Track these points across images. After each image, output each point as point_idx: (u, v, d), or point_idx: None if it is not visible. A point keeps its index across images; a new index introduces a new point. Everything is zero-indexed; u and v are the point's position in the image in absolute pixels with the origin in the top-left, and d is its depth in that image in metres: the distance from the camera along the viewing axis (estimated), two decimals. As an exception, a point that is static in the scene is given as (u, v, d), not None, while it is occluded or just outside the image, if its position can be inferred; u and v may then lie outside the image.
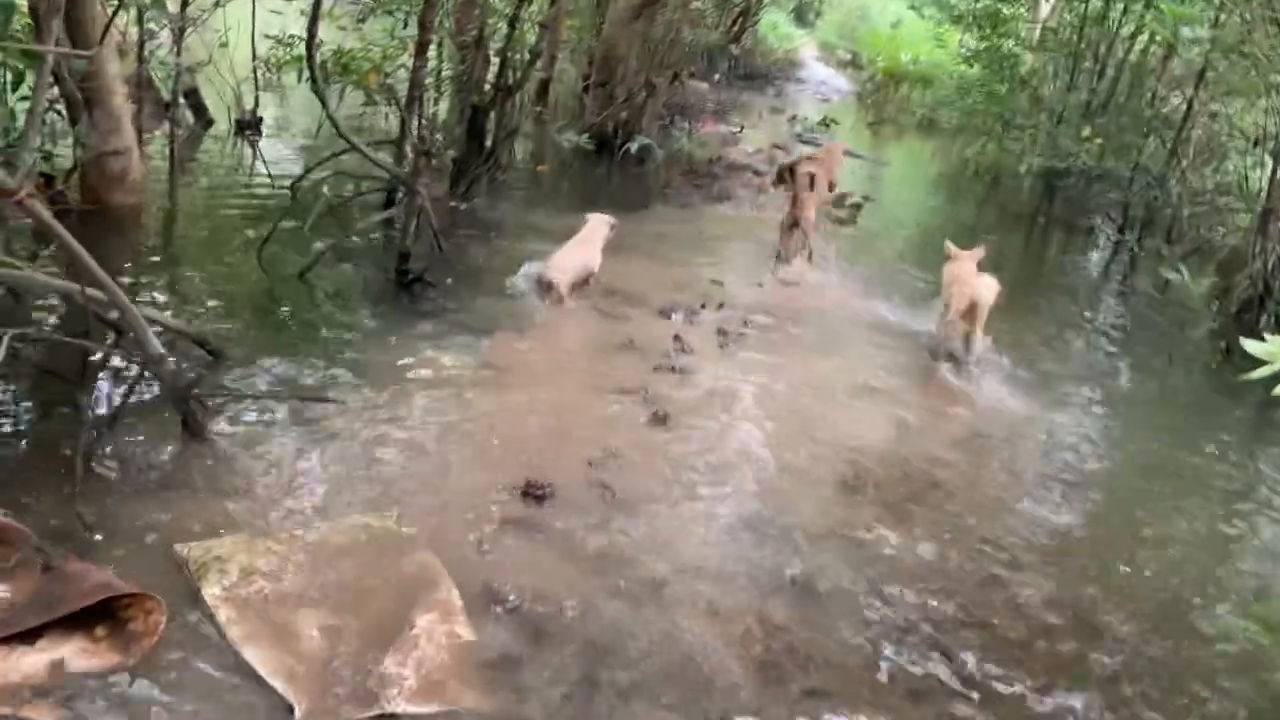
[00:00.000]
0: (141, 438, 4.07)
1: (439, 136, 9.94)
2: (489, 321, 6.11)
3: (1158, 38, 12.62)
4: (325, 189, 7.41)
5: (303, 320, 5.71)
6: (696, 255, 8.30)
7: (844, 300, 7.74)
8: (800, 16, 37.76)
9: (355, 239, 7.20)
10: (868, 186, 13.20)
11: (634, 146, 9.67)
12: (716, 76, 23.69)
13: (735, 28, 25.21)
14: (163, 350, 4.05)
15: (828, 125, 18.60)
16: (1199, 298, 7.63)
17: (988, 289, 6.50)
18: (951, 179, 15.72)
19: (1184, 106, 11.69)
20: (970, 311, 6.45)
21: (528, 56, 10.03)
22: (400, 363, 5.22)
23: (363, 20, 8.90)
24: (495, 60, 10.11)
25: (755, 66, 26.81)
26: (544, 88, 15.58)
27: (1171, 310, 8.84)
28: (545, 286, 6.60)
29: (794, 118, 18.95)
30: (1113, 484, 5.33)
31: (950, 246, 6.91)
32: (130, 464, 3.87)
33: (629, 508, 4.18)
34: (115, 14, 5.93)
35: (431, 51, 10.29)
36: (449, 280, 6.72)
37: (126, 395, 4.04)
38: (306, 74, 8.42)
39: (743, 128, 16.21)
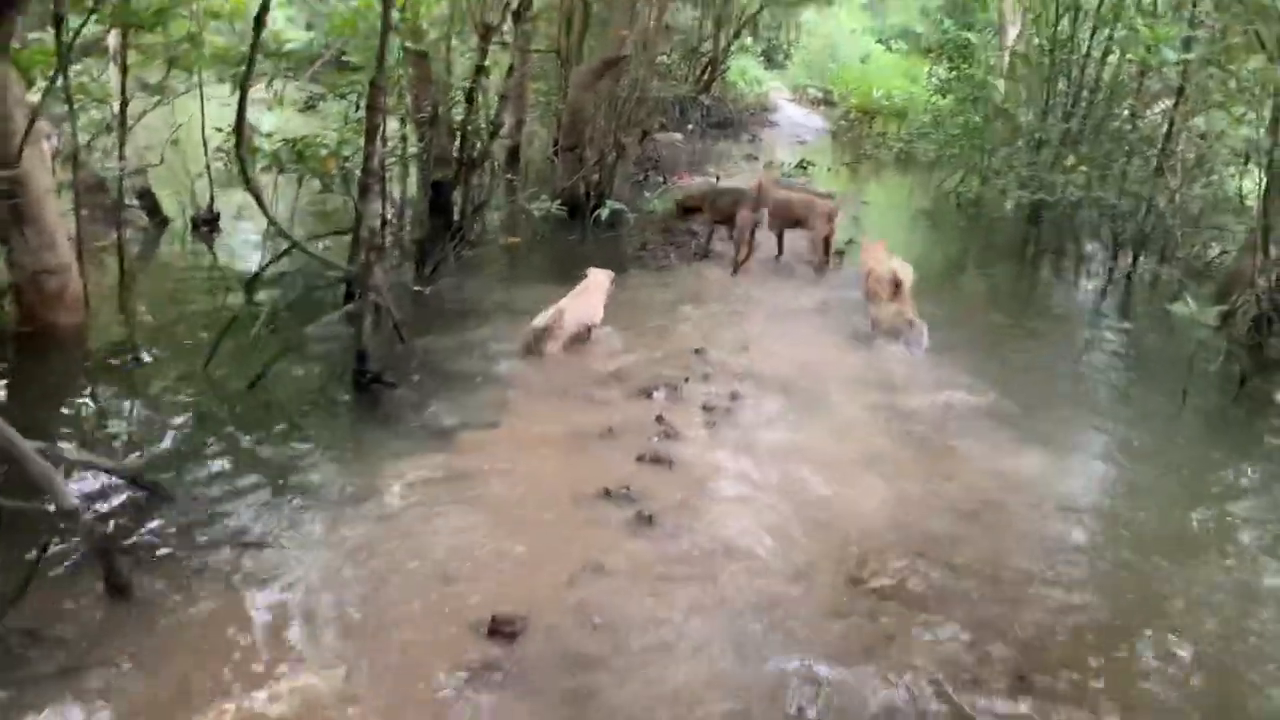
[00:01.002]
0: (60, 605, 3.62)
1: (396, 220, 9.61)
2: (456, 420, 5.68)
3: (1129, 55, 12.37)
4: (277, 290, 7.01)
5: (252, 439, 5.26)
6: (677, 322, 7.91)
7: (834, 356, 7.34)
8: (770, 59, 37.94)
9: (313, 339, 6.79)
10: (849, 228, 12.87)
11: (604, 213, 9.33)
12: (690, 127, 23.52)
13: (704, 77, 25.23)
14: (75, 502, 3.61)
15: (805, 168, 18.35)
16: (1205, 326, 7.23)
17: (903, 267, 7.31)
18: (933, 213, 15.41)
19: (1165, 123, 11.42)
20: (897, 290, 7.20)
21: (490, 128, 9.72)
22: (354, 485, 4.77)
23: (312, 106, 8.57)
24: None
25: (727, 114, 26.68)
26: (513, 155, 15.36)
27: (1176, 340, 8.43)
28: (537, 336, 6.62)
29: (770, 164, 18.69)
30: (1139, 553, 4.87)
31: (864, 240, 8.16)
32: (42, 640, 3.41)
33: (613, 638, 3.72)
34: (31, 126, 5.54)
35: (394, 128, 10.10)
36: (416, 377, 6.30)
37: (38, 559, 3.59)
38: (263, 165, 8.19)
39: (719, 178, 15.89)
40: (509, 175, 15.04)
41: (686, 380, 6.56)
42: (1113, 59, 12.90)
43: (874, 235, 12.85)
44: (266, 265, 7.26)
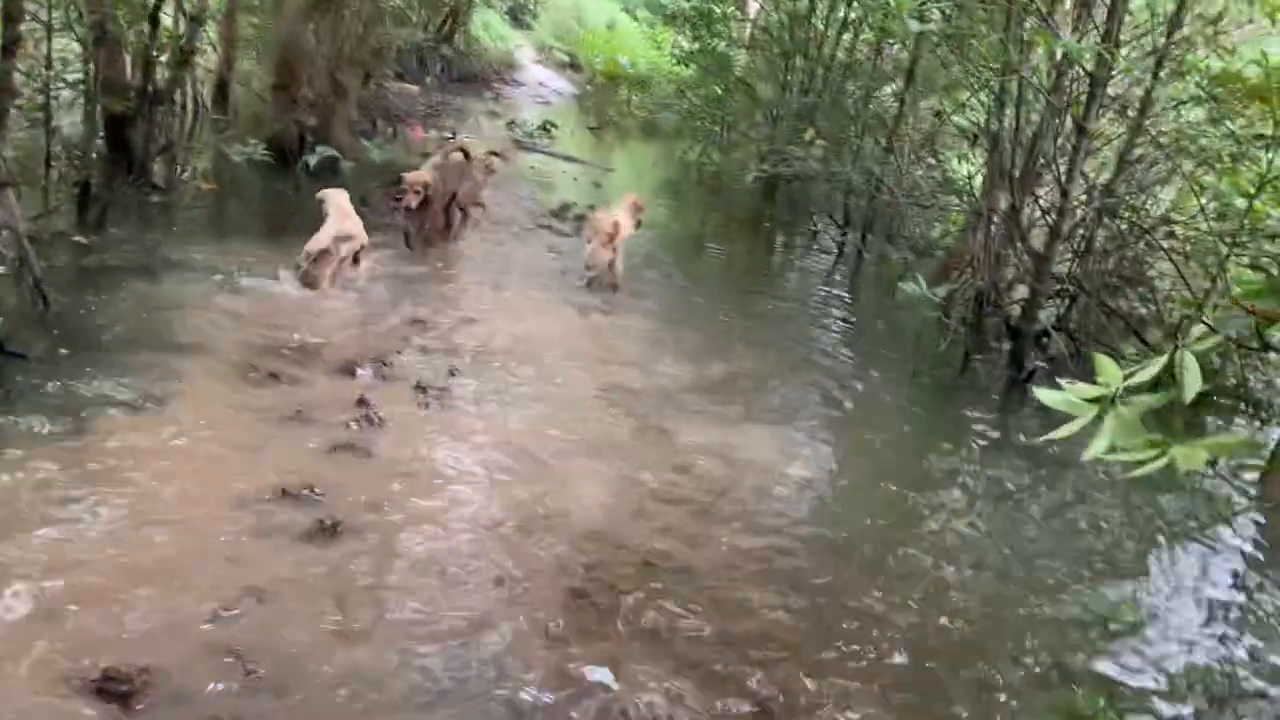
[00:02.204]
0: None
1: (67, 158, 8.09)
2: (104, 399, 4.60)
3: (864, 35, 12.57)
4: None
5: None
6: (397, 287, 7.04)
7: (564, 328, 6.77)
8: (515, 17, 36.92)
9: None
10: (591, 194, 12.38)
11: (312, 160, 8.23)
12: (429, 79, 22.25)
13: (445, 27, 23.95)
14: None
15: (548, 129, 17.71)
16: (932, 305, 7.24)
17: (624, 222, 7.70)
18: (675, 185, 15.22)
19: (896, 104, 11.65)
20: (610, 239, 7.48)
21: (178, 54, 8.37)
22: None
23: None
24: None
25: (471, 69, 25.53)
26: (221, 92, 13.73)
27: (903, 317, 8.50)
28: (313, 259, 6.27)
29: (512, 122, 17.90)
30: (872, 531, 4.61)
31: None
32: None
33: (273, 689, 2.93)
34: None
35: (60, 48, 8.51)
36: (61, 348, 5.10)
37: None
38: None
39: (455, 133, 14.97)
40: (217, 115, 13.48)
41: (400, 353, 5.76)
42: (848, 37, 13.07)
43: (613, 203, 12.49)
44: None
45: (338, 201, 6.90)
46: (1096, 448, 2.86)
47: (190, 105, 12.78)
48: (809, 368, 6.96)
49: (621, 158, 18.05)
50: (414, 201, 7.54)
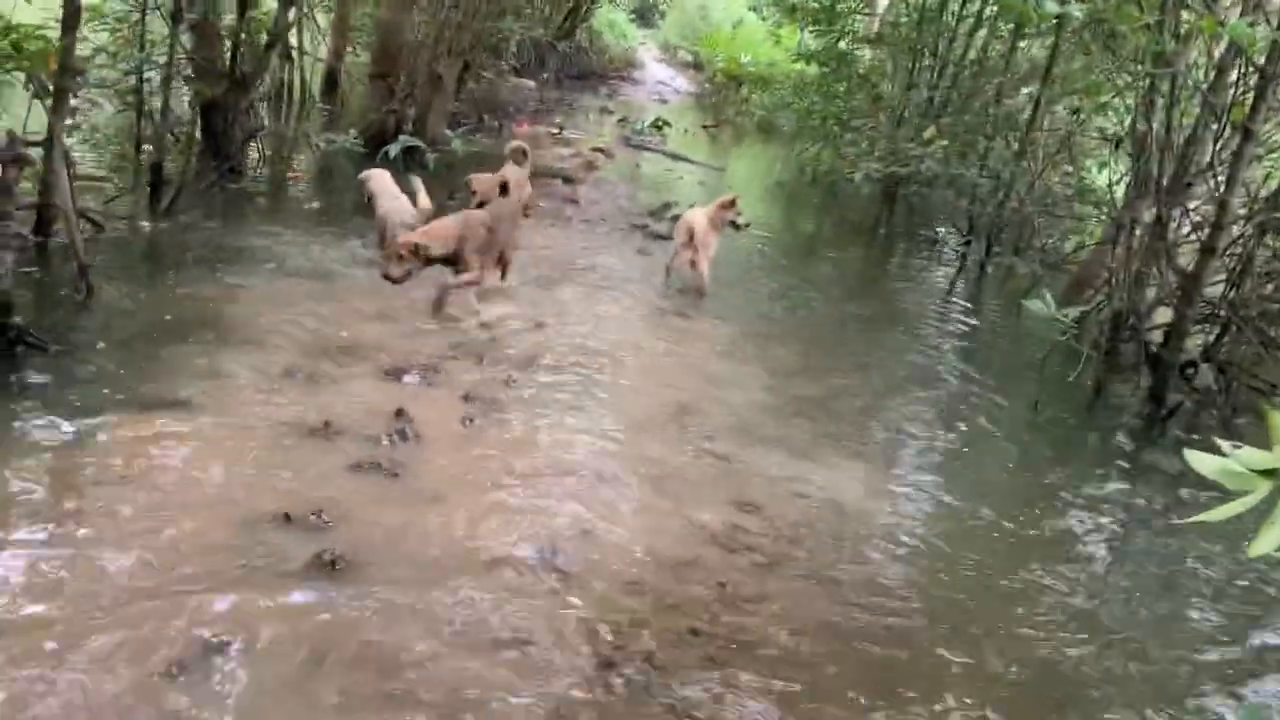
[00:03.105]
0: None
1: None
2: (123, 399, 4.24)
3: (1001, 30, 11.62)
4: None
5: None
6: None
7: (642, 336, 6.19)
8: (643, 17, 36.60)
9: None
10: (696, 194, 11.76)
11: (393, 149, 7.87)
12: (545, 75, 22.01)
13: (566, 23, 23.70)
14: None
15: (660, 127, 17.17)
16: (1062, 327, 6.38)
17: (700, 222, 7.18)
18: (789, 187, 14.48)
19: (1030, 106, 10.69)
20: (690, 238, 7.08)
21: (267, 38, 8.12)
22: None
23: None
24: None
25: (590, 65, 25.26)
26: (330, 82, 13.65)
27: (1028, 339, 7.63)
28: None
29: (624, 119, 17.43)
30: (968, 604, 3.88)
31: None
32: None
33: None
34: None
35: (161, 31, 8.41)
36: (98, 341, 4.78)
37: None
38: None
39: (562, 129, 14.58)
40: (325, 105, 13.39)
41: (455, 358, 5.28)
42: (982, 34, 12.13)
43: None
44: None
45: (381, 183, 6.67)
46: (1267, 542, 2.12)
47: (298, 94, 12.80)
48: (914, 392, 6.21)
49: (735, 158, 17.39)
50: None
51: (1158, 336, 7.91)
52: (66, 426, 3.94)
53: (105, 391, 4.32)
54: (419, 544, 3.56)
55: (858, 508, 4.48)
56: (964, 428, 5.79)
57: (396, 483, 3.93)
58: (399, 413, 4.47)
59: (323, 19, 14.24)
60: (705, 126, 19.07)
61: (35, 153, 5.34)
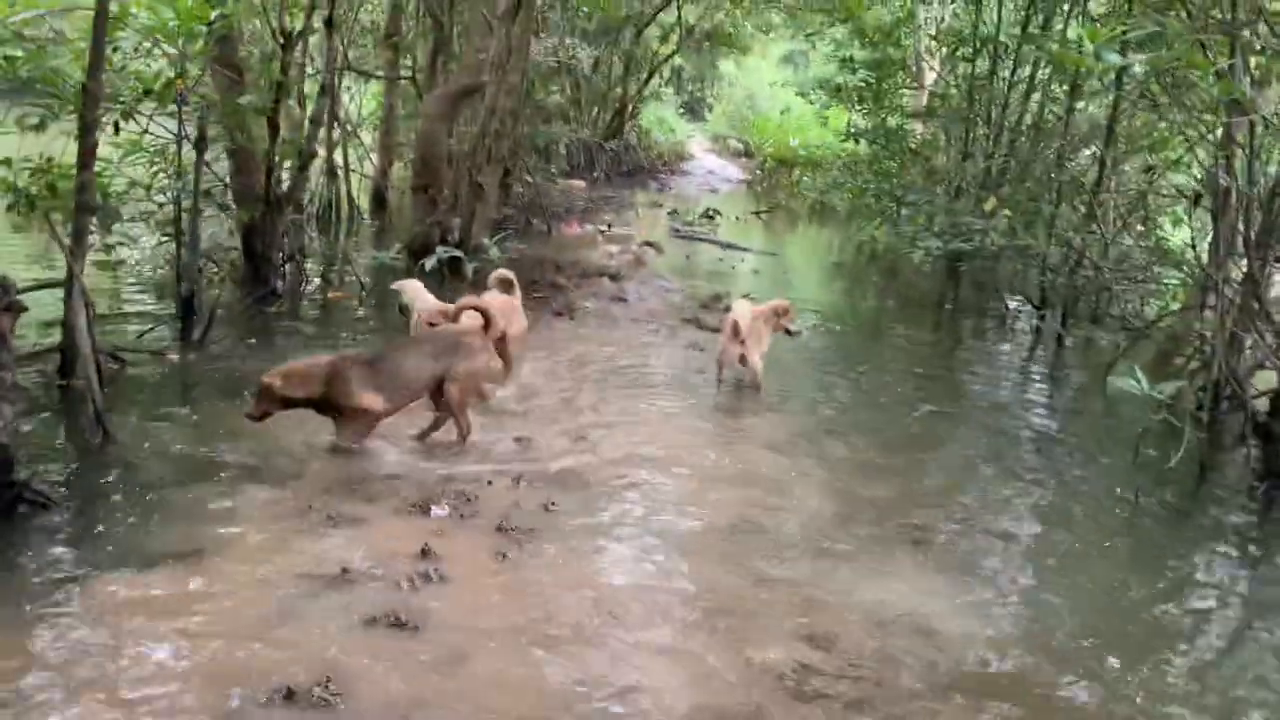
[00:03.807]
0: None
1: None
2: (114, 559, 3.89)
3: (1056, 92, 11.18)
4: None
5: None
6: (509, 397, 6.20)
7: (692, 446, 5.73)
8: (692, 110, 36.98)
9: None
10: (752, 282, 11.39)
11: (429, 262, 7.63)
12: (596, 174, 22.11)
13: (614, 123, 23.90)
14: None
15: (711, 217, 16.98)
16: (1156, 405, 5.76)
17: (744, 314, 6.75)
18: (849, 267, 14.06)
19: (1095, 166, 10.18)
20: (735, 332, 6.67)
21: (299, 158, 8.03)
22: None
23: (40, 126, 6.69)
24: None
25: (639, 161, 25.37)
26: (378, 197, 13.73)
27: (1116, 417, 6.99)
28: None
29: (674, 212, 17.27)
30: None
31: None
32: None
33: None
34: None
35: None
36: (112, 493, 4.48)
37: None
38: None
39: (610, 225, 14.40)
40: (373, 221, 13.43)
41: (490, 482, 4.88)
42: (1036, 97, 11.71)
43: (775, 289, 11.45)
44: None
45: (415, 292, 6.53)
46: None
47: (345, 212, 12.84)
48: (997, 487, 5.63)
49: (789, 243, 17.04)
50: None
51: (1263, 404, 7.25)
52: (57, 594, 3.60)
53: (109, 549, 3.99)
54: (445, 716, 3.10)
55: (948, 631, 3.91)
56: (1059, 524, 5.19)
57: (416, 639, 3.49)
58: (424, 551, 4.06)
59: (368, 136, 14.46)
60: (757, 213, 18.83)
61: (51, 295, 5.17)
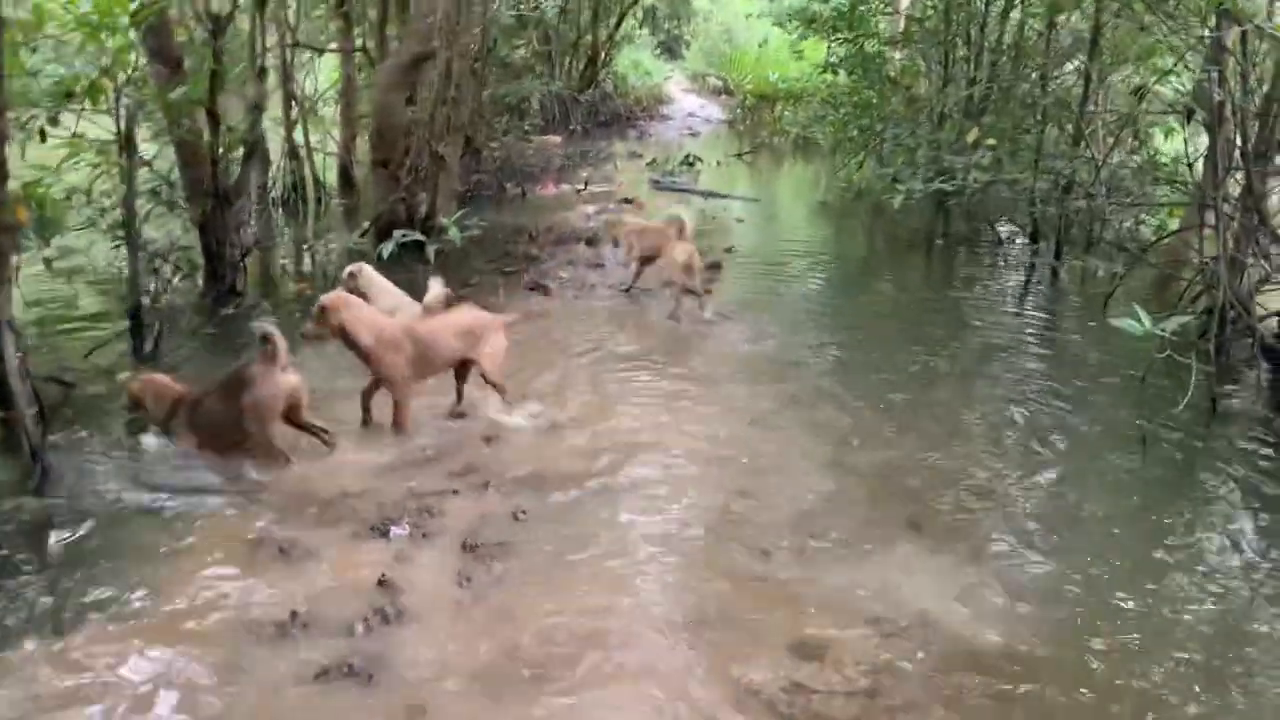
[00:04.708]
0: None
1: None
2: (54, 611, 3.63)
3: (1036, 6, 10.67)
4: None
5: None
6: (470, 390, 5.84)
7: (675, 423, 5.42)
8: (669, 50, 36.14)
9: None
10: (737, 232, 11.01)
11: (386, 249, 7.22)
12: (572, 127, 21.54)
13: (587, 72, 23.25)
14: None
15: (692, 164, 16.46)
16: (1163, 344, 5.42)
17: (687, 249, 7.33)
18: (835, 206, 13.61)
19: (1080, 83, 9.73)
20: (688, 268, 7.28)
21: (245, 148, 7.63)
22: None
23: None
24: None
25: (616, 110, 24.75)
26: (345, 175, 13.28)
27: (1121, 353, 6.66)
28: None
29: (653, 161, 16.76)
30: None
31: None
32: None
33: None
34: None
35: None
36: (49, 539, 4.18)
37: None
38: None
39: (588, 183, 13.94)
40: (343, 200, 12.99)
41: (456, 492, 4.58)
42: (1015, 14, 11.20)
43: (760, 237, 11.07)
44: None
45: (371, 279, 6.17)
46: None
47: (312, 193, 12.39)
48: (1000, 446, 5.34)
49: (773, 184, 16.59)
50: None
51: (1271, 325, 6.92)
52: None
53: (45, 600, 3.72)
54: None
55: (955, 627, 3.64)
56: (1067, 488, 4.89)
57: (371, 691, 3.21)
58: (381, 582, 3.78)
59: (330, 110, 13.93)
60: (740, 155, 18.31)
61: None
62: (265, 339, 4.77)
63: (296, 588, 3.79)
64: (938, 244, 10.84)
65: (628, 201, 12.57)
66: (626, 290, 8.09)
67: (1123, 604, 3.85)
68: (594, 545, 4.16)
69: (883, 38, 14.87)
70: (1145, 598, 3.89)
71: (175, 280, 7.95)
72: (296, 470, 4.74)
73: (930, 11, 13.24)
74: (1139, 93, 7.46)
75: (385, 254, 7.12)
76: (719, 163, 17.02)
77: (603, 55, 23.59)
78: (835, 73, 15.14)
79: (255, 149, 7.76)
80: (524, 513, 4.38)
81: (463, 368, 5.56)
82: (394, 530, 4.22)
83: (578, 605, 3.73)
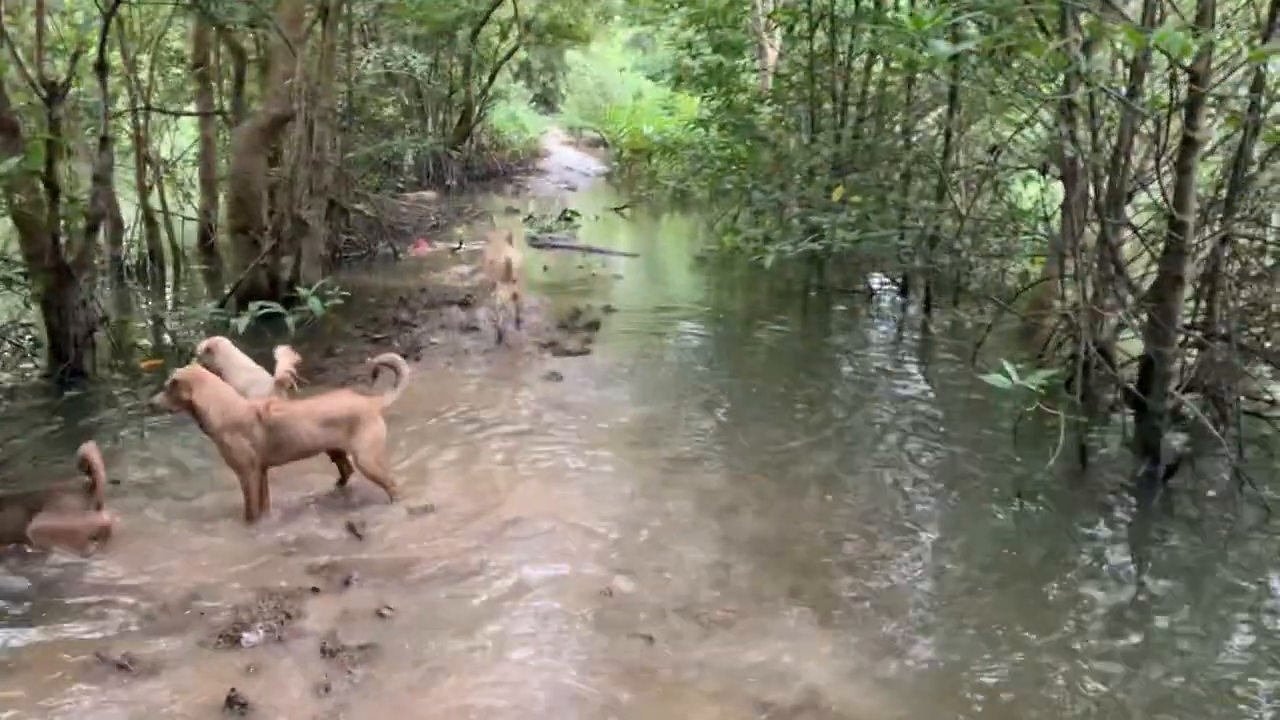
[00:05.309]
0: None
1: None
2: None
3: (895, 64, 10.97)
4: None
5: None
6: (329, 480, 5.48)
7: (552, 499, 5.22)
8: (547, 103, 36.29)
9: None
10: (616, 289, 10.94)
11: (242, 323, 6.83)
12: (448, 182, 21.28)
13: (461, 127, 23.07)
14: None
15: (569, 219, 16.37)
16: (1031, 398, 5.49)
17: (515, 253, 8.18)
18: (713, 260, 13.66)
19: (941, 136, 10.01)
20: (508, 272, 7.97)
21: (87, 220, 7.17)
22: None
23: None
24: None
25: (493, 165, 24.63)
26: (205, 242, 12.76)
27: (995, 407, 6.76)
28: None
29: (530, 218, 16.62)
30: None
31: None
32: None
33: None
34: None
35: None
36: None
37: None
38: None
39: (462, 243, 13.71)
40: (204, 265, 12.44)
41: (316, 590, 4.26)
42: (878, 69, 11.50)
43: (641, 293, 11.01)
44: None
45: (227, 354, 5.85)
46: None
47: (171, 260, 11.82)
48: (880, 511, 5.28)
49: (652, 238, 16.65)
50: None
51: (1134, 371, 7.13)
52: None
53: None
54: None
55: (843, 707, 3.51)
56: (945, 549, 4.87)
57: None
58: (230, 701, 3.44)
59: (188, 173, 13.37)
60: (618, 209, 18.33)
61: None
62: (83, 465, 4.48)
63: (135, 713, 3.42)
64: (812, 296, 10.95)
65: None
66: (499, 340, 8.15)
67: (1011, 666, 3.80)
68: (466, 641, 3.91)
69: (751, 94, 15.17)
70: (1036, 654, 3.86)
71: (14, 361, 7.46)
72: (151, 566, 4.37)
73: (797, 68, 13.53)
74: (994, 151, 7.66)
75: (241, 328, 6.72)
76: (597, 217, 17.01)
77: (476, 110, 23.47)
78: (707, 130, 15.36)
79: (99, 221, 7.28)
80: (390, 609, 4.10)
81: (337, 454, 5.27)
82: (246, 637, 3.88)
83: (446, 711, 3.47)
